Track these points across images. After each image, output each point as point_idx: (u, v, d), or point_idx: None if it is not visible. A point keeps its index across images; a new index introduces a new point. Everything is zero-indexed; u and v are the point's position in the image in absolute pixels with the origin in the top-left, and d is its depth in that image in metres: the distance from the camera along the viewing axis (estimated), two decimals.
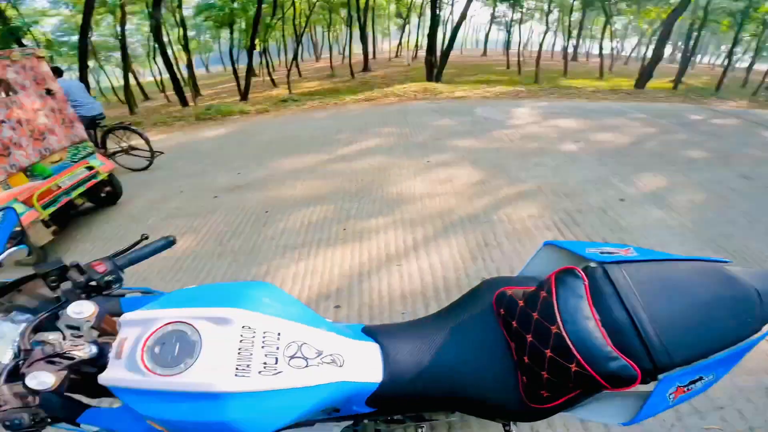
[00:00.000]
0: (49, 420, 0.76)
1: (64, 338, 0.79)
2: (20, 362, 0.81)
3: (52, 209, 3.03)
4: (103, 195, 3.79)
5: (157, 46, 10.14)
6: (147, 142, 4.69)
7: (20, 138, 3.08)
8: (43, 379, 0.73)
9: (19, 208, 2.76)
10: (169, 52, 10.41)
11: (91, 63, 11.58)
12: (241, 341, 0.73)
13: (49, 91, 3.36)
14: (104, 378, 0.75)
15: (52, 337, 0.79)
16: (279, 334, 0.76)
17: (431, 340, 0.86)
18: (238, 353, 0.72)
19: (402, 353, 0.83)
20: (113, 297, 1.03)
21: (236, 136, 5.70)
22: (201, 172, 4.40)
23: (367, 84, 12.30)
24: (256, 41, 11.10)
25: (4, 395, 0.74)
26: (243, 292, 0.81)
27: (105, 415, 0.90)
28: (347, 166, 3.86)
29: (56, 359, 0.76)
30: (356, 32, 16.23)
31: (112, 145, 4.78)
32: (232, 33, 14.04)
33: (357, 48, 19.59)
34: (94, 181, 3.46)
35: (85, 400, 0.86)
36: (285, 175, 3.89)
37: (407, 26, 24.72)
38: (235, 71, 12.13)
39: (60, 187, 3.16)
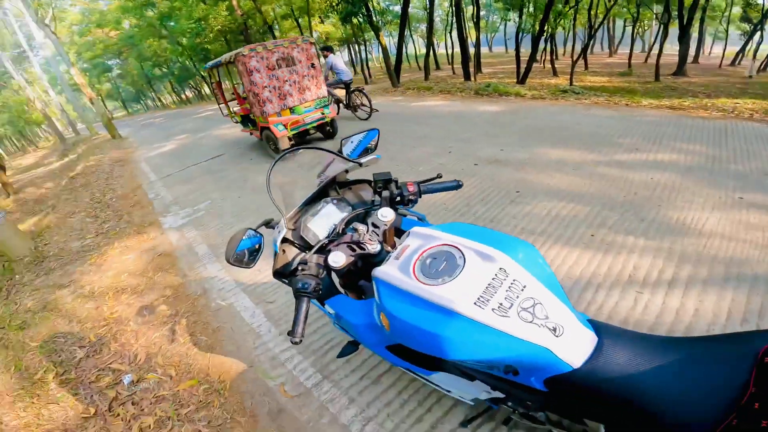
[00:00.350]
0: (318, 293, 1.02)
1: (367, 231, 1.12)
2: (330, 240, 1.18)
3: (294, 132, 5.42)
4: (327, 130, 6.08)
5: (455, 21, 11.44)
6: (369, 102, 6.99)
7: (293, 91, 5.40)
8: (337, 259, 1.03)
9: (280, 127, 5.22)
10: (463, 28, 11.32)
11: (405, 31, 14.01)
12: (492, 279, 0.85)
13: (312, 65, 5.54)
14: (379, 270, 0.99)
15: (361, 227, 1.12)
16: (525, 287, 0.85)
17: (652, 354, 0.77)
18: (485, 288, 0.84)
19: (615, 354, 0.79)
20: (399, 215, 1.35)
21: (507, 115, 5.96)
22: (468, 140, 4.95)
23: (675, 90, 9.98)
24: (546, 27, 10.70)
25: (311, 261, 1.08)
26: (512, 243, 0.94)
27: (346, 304, 1.21)
28: (621, 174, 3.46)
29: (354, 246, 1.09)
30: (673, 30, 13.07)
31: (354, 100, 7.23)
32: (521, 16, 13.99)
33: (670, 48, 15.79)
34: (321, 121, 5.73)
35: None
36: (547, 163, 3.88)
37: (758, 32, 17.81)
38: (518, 54, 12.21)
39: (304, 121, 5.49)
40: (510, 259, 0.88)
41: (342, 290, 1.33)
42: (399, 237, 1.38)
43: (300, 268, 1.05)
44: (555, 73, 14.55)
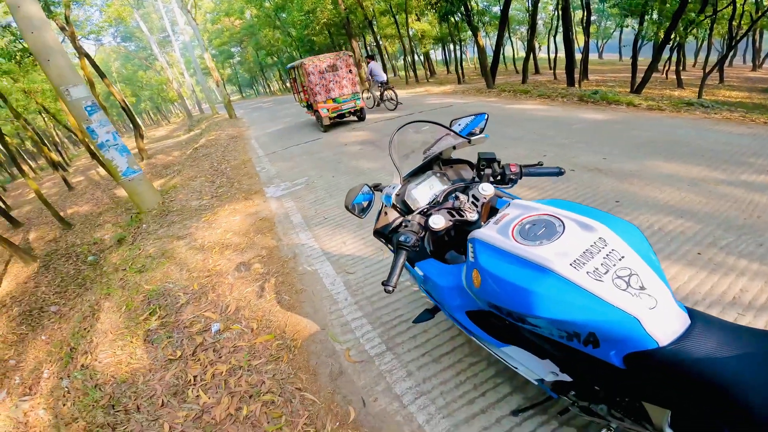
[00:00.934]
0: (417, 248, 1.12)
1: (467, 201, 1.20)
2: (431, 207, 1.28)
3: (334, 114, 8.02)
4: (358, 115, 8.57)
5: (560, 25, 10.68)
6: (395, 95, 9.21)
7: (335, 87, 8.00)
8: (437, 221, 1.11)
9: (324, 110, 7.84)
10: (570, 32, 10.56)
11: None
12: (591, 246, 0.86)
13: (350, 71, 8.16)
14: (478, 231, 1.05)
15: (462, 196, 1.20)
16: (623, 257, 0.83)
17: (745, 345, 0.73)
18: (583, 252, 0.85)
19: (705, 339, 0.74)
20: (496, 195, 1.38)
21: (614, 124, 5.43)
22: (565, 146, 4.63)
23: None
24: (672, 35, 9.38)
25: (414, 219, 1.18)
26: (614, 220, 0.93)
27: (436, 266, 1.29)
28: (745, 195, 2.96)
29: (453, 212, 1.17)
30: None
31: (386, 95, 9.44)
32: (641, 23, 12.41)
33: None
34: (353, 108, 8.25)
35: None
36: (656, 176, 3.47)
37: None
38: (634, 62, 10.94)
39: (341, 108, 8.06)
40: (610, 231, 0.88)
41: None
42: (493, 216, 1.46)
43: (403, 224, 1.17)
44: (680, 84, 12.76)
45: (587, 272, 0.82)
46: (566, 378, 1.06)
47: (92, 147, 10.75)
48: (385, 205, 1.37)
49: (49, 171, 17.93)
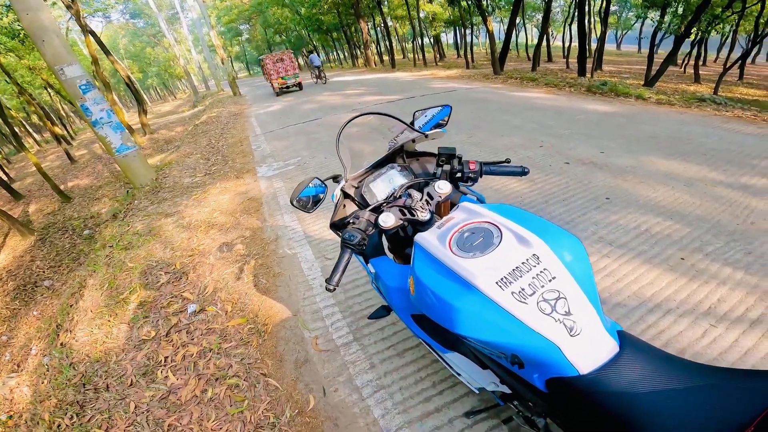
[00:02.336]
0: (363, 247, 1.07)
1: (420, 199, 1.12)
2: (386, 202, 1.22)
3: (280, 87, 14.15)
4: (297, 88, 14.66)
5: (577, 13, 10.29)
6: (324, 76, 15.45)
7: (282, 71, 14.20)
8: (387, 219, 1.05)
9: (275, 84, 14.18)
10: (585, 21, 10.20)
11: (517, 19, 13.05)
12: (522, 263, 0.80)
13: (292, 61, 14.39)
14: (420, 235, 1.01)
15: (415, 194, 1.14)
16: (554, 278, 0.78)
17: (668, 376, 0.69)
18: (513, 269, 0.79)
19: (630, 369, 0.71)
20: (459, 192, 1.34)
21: (618, 117, 5.25)
22: (564, 137, 4.50)
23: None
24: (693, 29, 8.97)
25: (363, 216, 1.12)
26: (555, 233, 0.86)
27: (387, 265, 1.24)
28: (743, 199, 2.85)
29: (405, 210, 1.11)
30: None
31: (321, 75, 15.49)
32: (663, 15, 11.89)
33: None
34: (295, 82, 14.28)
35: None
36: (652, 174, 3.36)
37: None
38: (651, 54, 10.52)
39: (287, 83, 14.15)
40: (546, 248, 0.83)
41: (389, 254, 1.39)
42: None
43: (351, 221, 1.12)
44: (697, 79, 12.27)
45: (512, 292, 0.77)
46: (505, 390, 1.04)
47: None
48: (344, 198, 1.32)
49: (54, 144, 18.03)
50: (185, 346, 2.23)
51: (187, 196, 4.47)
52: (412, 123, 1.35)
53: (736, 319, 1.84)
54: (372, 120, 1.36)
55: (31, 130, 22.14)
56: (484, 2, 11.81)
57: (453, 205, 1.37)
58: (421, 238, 0.99)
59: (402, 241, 1.33)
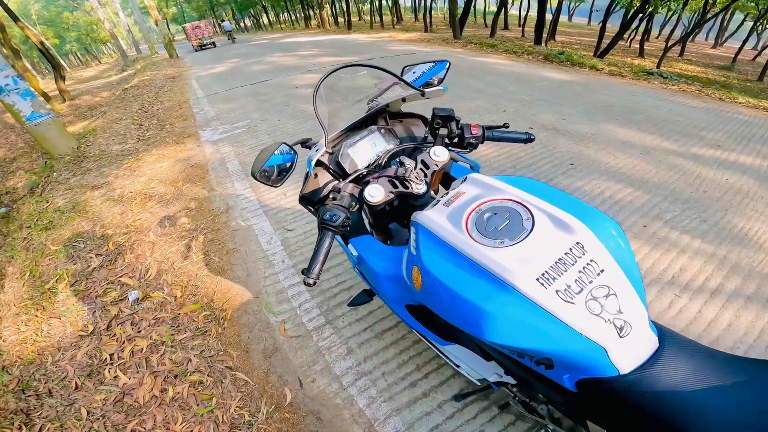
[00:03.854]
0: (345, 228, 0.86)
1: (414, 168, 0.93)
2: (369, 172, 1.02)
3: (198, 44, 20.28)
4: (213, 45, 20.54)
5: None
6: (233, 38, 22.45)
7: (201, 33, 20.44)
8: (375, 193, 0.87)
9: (195, 43, 20.39)
10: None
11: None
12: (566, 253, 0.66)
13: (207, 27, 20.71)
14: (423, 215, 0.81)
15: (408, 162, 0.93)
16: (602, 271, 0.66)
17: (712, 373, 0.63)
18: (555, 262, 0.65)
19: (671, 367, 0.65)
20: (452, 159, 1.18)
21: (576, 86, 5.33)
22: (526, 102, 4.48)
23: None
24: (648, 5, 9.29)
25: (345, 191, 0.92)
26: (593, 215, 0.73)
27: (374, 247, 1.05)
28: (693, 168, 3.00)
29: (397, 181, 0.91)
30: None
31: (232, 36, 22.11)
32: None
33: None
34: (210, 41, 20.42)
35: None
36: (611, 141, 3.44)
37: None
38: (603, 26, 10.84)
39: (203, 42, 20.25)
40: (591, 234, 0.69)
41: (369, 230, 1.20)
42: (445, 186, 1.22)
43: (332, 196, 0.92)
44: (642, 53, 12.94)
45: (557, 291, 0.64)
46: (510, 380, 0.95)
47: None
48: (315, 166, 1.10)
49: None
50: (132, 340, 1.94)
51: (117, 165, 3.90)
52: (400, 78, 1.12)
53: (696, 288, 1.91)
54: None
55: None
56: None
57: (445, 176, 1.20)
58: (425, 218, 0.81)
59: (386, 216, 1.14)
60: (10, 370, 1.89)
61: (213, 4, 35.44)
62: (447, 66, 1.19)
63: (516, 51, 7.98)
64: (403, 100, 1.17)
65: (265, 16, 33.55)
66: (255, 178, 0.98)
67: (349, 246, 1.10)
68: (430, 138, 1.17)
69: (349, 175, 1.02)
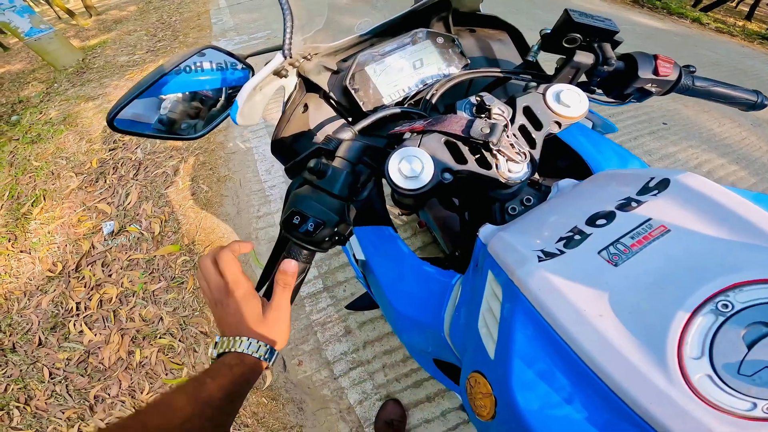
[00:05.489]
0: (330, 245, 0.44)
1: (511, 123, 0.45)
2: (407, 113, 0.54)
3: None
4: None
5: None
6: None
7: None
8: (417, 168, 0.41)
9: None
10: None
11: None
12: None
13: None
14: (526, 268, 0.33)
15: (498, 107, 0.45)
16: None
17: None
18: None
19: None
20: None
21: (672, 36, 4.38)
22: None
23: None
24: None
25: (346, 157, 0.45)
26: None
27: (395, 254, 0.57)
28: None
29: (463, 145, 0.44)
30: None
31: None
32: None
33: None
34: None
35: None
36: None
37: None
38: None
39: None
40: None
41: (393, 211, 0.79)
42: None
43: (317, 167, 0.42)
44: (750, 16, 10.86)
45: None
46: None
47: None
48: (304, 87, 0.64)
49: None
50: (101, 286, 1.66)
51: (119, 76, 3.53)
52: None
53: None
54: None
55: None
56: None
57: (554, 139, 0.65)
58: (533, 278, 0.33)
59: (426, 197, 0.63)
60: None
61: None
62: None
63: None
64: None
65: None
66: (112, 127, 0.50)
67: (352, 241, 0.64)
68: (540, 70, 0.64)
69: (364, 113, 0.56)
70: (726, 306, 0.26)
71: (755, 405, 0.23)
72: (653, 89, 0.54)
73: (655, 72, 0.52)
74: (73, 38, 5.30)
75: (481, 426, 0.36)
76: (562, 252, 0.33)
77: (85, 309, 1.60)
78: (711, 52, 3.90)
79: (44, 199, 2.10)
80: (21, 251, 1.88)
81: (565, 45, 0.54)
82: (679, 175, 0.36)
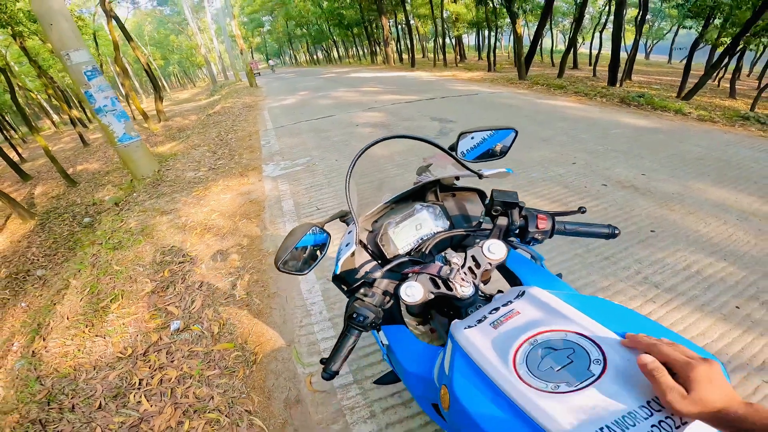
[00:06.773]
0: (374, 327, 0.81)
1: (462, 266, 0.81)
2: (411, 259, 0.90)
3: (255, 72, 20.76)
4: (259, 75, 23.50)
5: (611, 20, 9.82)
6: (274, 70, 28.98)
7: (255, 66, 22.35)
8: (413, 293, 0.77)
9: (253, 70, 19.52)
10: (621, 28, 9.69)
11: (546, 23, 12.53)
12: (641, 406, 0.50)
13: (256, 64, 24.34)
14: (462, 333, 0.69)
15: (455, 260, 0.82)
16: (685, 423, 0.49)
17: None
18: (622, 418, 0.49)
19: None
20: (509, 244, 0.94)
21: (659, 134, 4.84)
22: (599, 154, 4.13)
23: None
24: (740, 42, 8.37)
25: (379, 288, 0.81)
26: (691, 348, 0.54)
27: (405, 340, 0.91)
28: None
29: (439, 281, 0.80)
30: None
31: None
32: (705, 26, 11.21)
33: None
34: (257, 70, 23.03)
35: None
36: (702, 203, 2.97)
37: None
38: (688, 65, 9.98)
39: (258, 69, 24.87)
40: None
41: (407, 318, 1.10)
42: (502, 272, 1.02)
43: (363, 291, 0.82)
44: (732, 94, 11.65)
45: None
46: None
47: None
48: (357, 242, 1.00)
49: (71, 127, 18.25)
50: (163, 368, 1.98)
51: (187, 192, 4.23)
52: (455, 147, 0.98)
53: None
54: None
55: (51, 111, 22.41)
56: (515, 4, 11.31)
57: (499, 267, 1.00)
58: (464, 337, 0.69)
59: (424, 308, 1.04)
60: (43, 381, 2.01)
61: (291, 36, 39.25)
62: (513, 135, 1.02)
63: (587, 93, 7.58)
64: (457, 178, 1.05)
65: (335, 50, 36.39)
66: (278, 267, 0.84)
67: (380, 333, 0.98)
68: (487, 221, 1.00)
69: (388, 260, 0.92)
70: (535, 341, 0.61)
71: (547, 385, 0.55)
72: (540, 236, 0.88)
73: (536, 226, 0.87)
74: (145, 141, 6.01)
75: (445, 413, 0.69)
76: (477, 324, 0.71)
77: (147, 384, 1.89)
78: (694, 147, 4.28)
79: (122, 297, 2.55)
80: (96, 335, 2.27)
81: (494, 213, 0.91)
82: (529, 288, 0.74)
